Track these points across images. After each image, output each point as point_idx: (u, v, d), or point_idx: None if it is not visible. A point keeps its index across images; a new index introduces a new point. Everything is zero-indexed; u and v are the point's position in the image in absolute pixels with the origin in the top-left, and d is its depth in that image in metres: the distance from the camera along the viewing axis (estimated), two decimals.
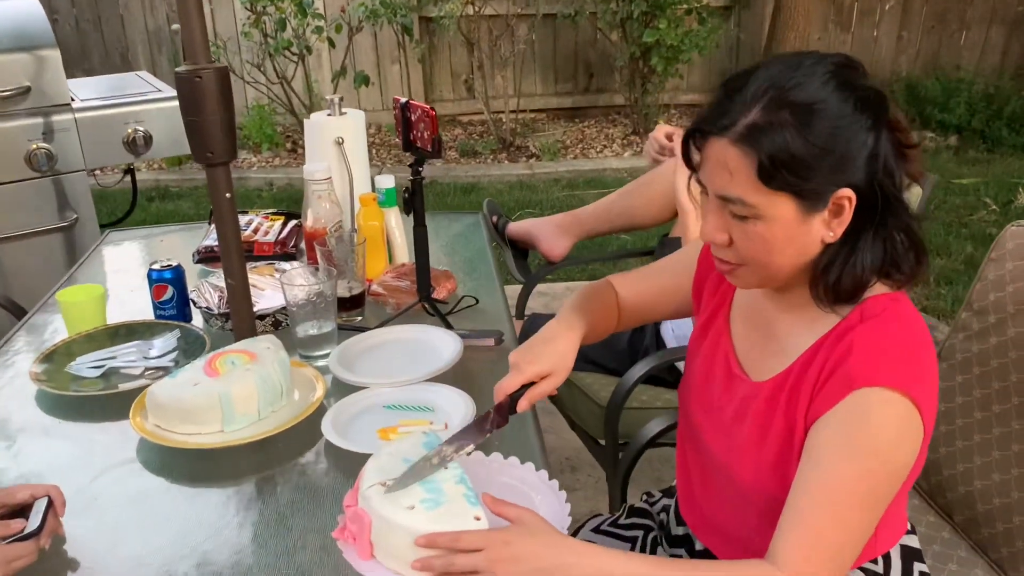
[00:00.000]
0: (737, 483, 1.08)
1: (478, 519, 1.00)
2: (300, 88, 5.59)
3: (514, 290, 2.35)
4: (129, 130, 2.77)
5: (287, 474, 1.26)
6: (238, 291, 1.54)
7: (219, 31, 5.76)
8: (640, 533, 1.34)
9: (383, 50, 6.08)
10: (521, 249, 2.32)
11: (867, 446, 0.93)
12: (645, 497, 1.42)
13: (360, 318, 1.71)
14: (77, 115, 2.69)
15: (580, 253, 2.56)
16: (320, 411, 1.36)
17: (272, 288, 1.74)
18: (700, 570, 0.98)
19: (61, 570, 1.08)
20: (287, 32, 5.23)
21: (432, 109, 1.52)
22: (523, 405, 1.15)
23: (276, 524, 1.15)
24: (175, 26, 5.70)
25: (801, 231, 0.96)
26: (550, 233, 2.25)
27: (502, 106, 5.73)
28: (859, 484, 0.93)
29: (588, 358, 1.99)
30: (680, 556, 1.25)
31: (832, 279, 0.98)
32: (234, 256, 1.51)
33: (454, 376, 1.45)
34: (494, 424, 1.14)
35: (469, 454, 1.11)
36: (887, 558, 1.11)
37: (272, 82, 5.46)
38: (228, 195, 1.48)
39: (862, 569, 1.10)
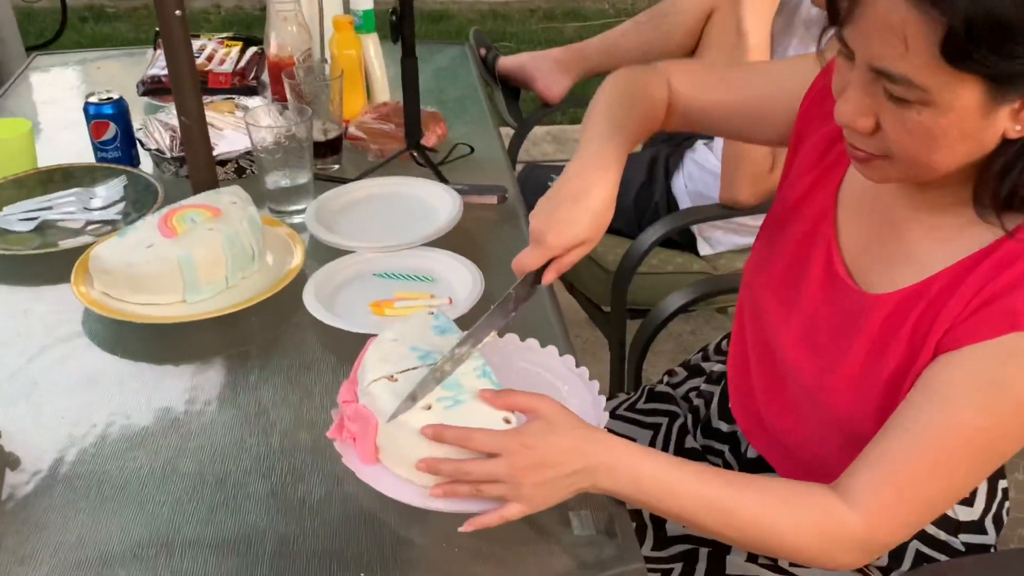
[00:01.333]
0: (824, 405, 0.90)
1: (508, 422, 0.83)
2: None
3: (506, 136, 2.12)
4: None
5: (265, 356, 1.08)
6: (195, 132, 1.29)
7: None
8: (663, 421, 1.19)
9: None
10: (512, 88, 2.06)
11: (1010, 399, 0.75)
12: (666, 378, 1.27)
13: (337, 166, 1.48)
14: None
15: (584, 93, 2.29)
16: (300, 279, 1.15)
17: (233, 128, 1.48)
18: (753, 487, 0.83)
19: None
20: None
21: None
22: (549, 277, 0.94)
23: (255, 418, 0.97)
24: None
25: (981, 125, 0.72)
26: (548, 69, 1.98)
27: None
28: (981, 437, 0.76)
29: None
30: (721, 453, 1.11)
31: (1009, 185, 0.75)
32: (188, 89, 1.26)
33: (453, 239, 1.25)
34: (519, 302, 0.94)
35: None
36: None
37: None
38: (178, 12, 1.21)
39: None
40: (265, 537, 0.83)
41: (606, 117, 0.97)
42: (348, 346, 0.98)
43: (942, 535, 0.97)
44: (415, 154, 1.45)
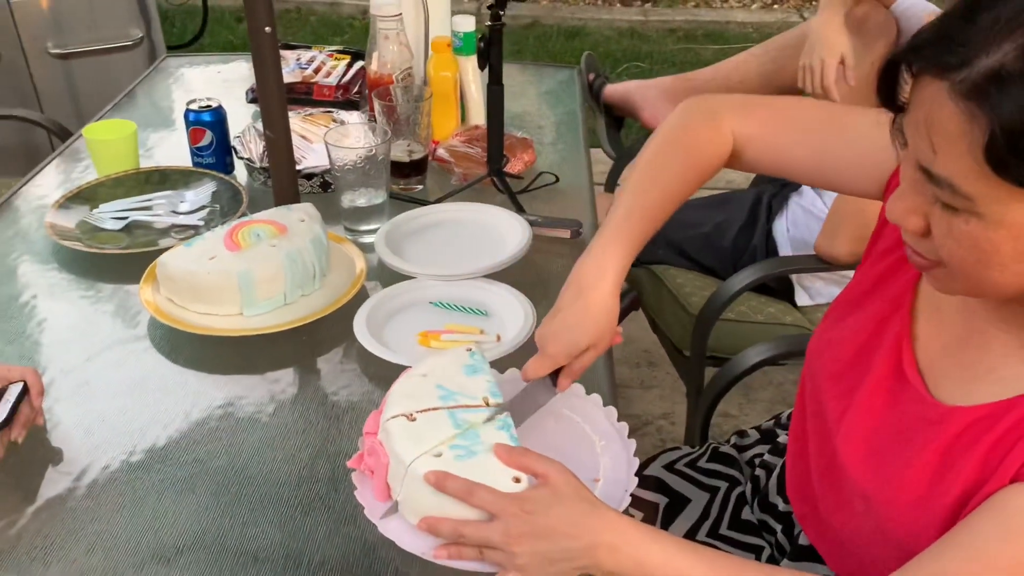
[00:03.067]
0: (882, 516, 0.79)
1: (518, 481, 0.79)
2: None
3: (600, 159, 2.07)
4: None
5: (308, 376, 1.08)
6: (279, 145, 1.32)
7: None
8: (723, 485, 1.11)
9: None
10: (616, 117, 2.01)
11: None
12: (735, 439, 1.19)
13: (420, 187, 1.47)
14: None
15: None
16: (360, 299, 1.15)
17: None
18: None
19: (38, 466, 0.94)
20: None
21: None
22: (563, 384, 0.92)
23: (284, 437, 0.97)
24: None
25: None
26: (655, 99, 1.92)
27: None
28: None
29: (682, 251, 1.73)
30: (774, 533, 1.02)
31: None
32: (274, 103, 1.28)
33: (517, 272, 1.21)
34: (537, 406, 0.93)
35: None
36: None
37: None
38: (268, 28, 1.23)
39: None
40: (275, 554, 0.83)
41: (632, 191, 0.93)
42: (389, 374, 0.96)
43: None
44: (496, 180, 1.43)
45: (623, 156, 2.00)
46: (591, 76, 2.00)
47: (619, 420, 0.96)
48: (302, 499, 0.89)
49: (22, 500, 0.89)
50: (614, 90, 1.97)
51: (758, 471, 1.10)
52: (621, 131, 2.03)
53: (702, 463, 1.16)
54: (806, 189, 1.66)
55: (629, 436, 0.94)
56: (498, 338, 1.09)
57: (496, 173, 1.42)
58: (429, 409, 0.86)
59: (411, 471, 0.80)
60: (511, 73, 1.88)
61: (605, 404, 0.99)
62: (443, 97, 1.58)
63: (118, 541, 0.84)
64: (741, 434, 1.19)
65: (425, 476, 0.78)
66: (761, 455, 1.13)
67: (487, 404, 0.87)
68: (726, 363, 1.39)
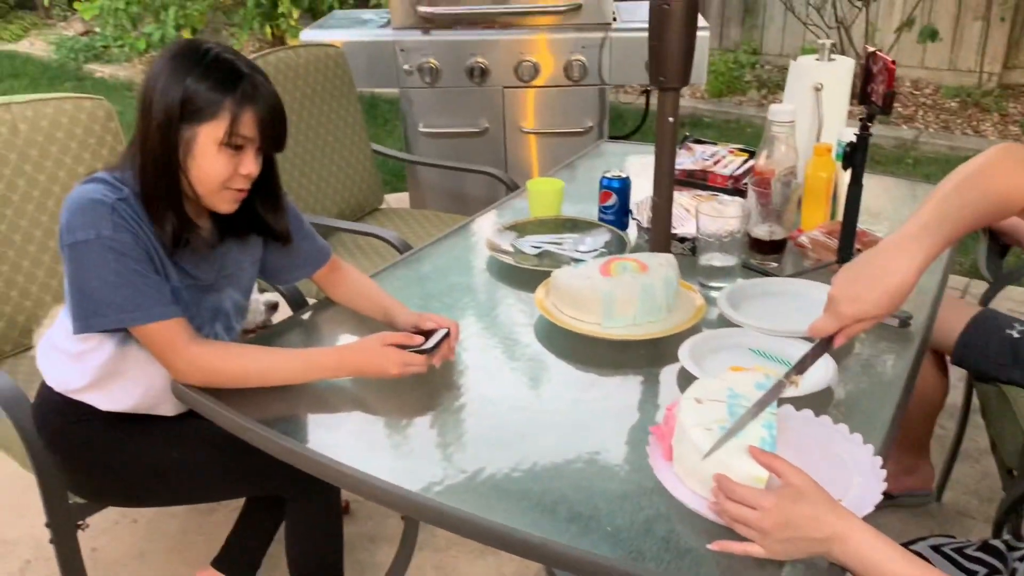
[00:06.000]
0: None
1: (759, 480, 1.00)
2: (859, 35, 5.33)
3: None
4: None
5: (641, 377, 1.37)
6: (661, 209, 1.66)
7: None
8: (981, 571, 1.17)
9: (967, 4, 5.46)
10: (1003, 244, 2.02)
11: None
12: (1008, 537, 1.23)
13: (774, 264, 1.71)
14: (612, 35, 3.00)
15: None
16: (692, 331, 1.43)
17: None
18: None
19: (446, 388, 1.35)
20: None
21: (892, 63, 1.42)
22: (839, 341, 1.08)
23: (615, 414, 1.27)
24: None
25: None
26: None
27: None
28: None
29: None
30: None
31: None
32: (664, 177, 1.63)
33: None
34: (812, 359, 1.11)
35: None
36: None
37: (830, 26, 5.30)
38: (671, 119, 1.58)
39: None
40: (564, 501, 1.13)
41: (939, 207, 1.02)
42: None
43: None
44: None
45: (1001, 280, 2.00)
46: None
47: (876, 455, 1.10)
48: (605, 455, 1.19)
49: (424, 407, 1.31)
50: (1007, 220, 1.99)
51: (1017, 564, 1.14)
52: (1005, 258, 2.03)
53: (969, 550, 1.22)
54: None
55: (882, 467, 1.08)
56: (798, 384, 1.29)
57: (844, 261, 1.61)
58: (715, 400, 1.11)
59: (687, 436, 1.05)
60: (881, 182, 2.04)
61: (865, 442, 1.13)
62: (815, 194, 1.80)
63: (493, 448, 1.21)
64: (1019, 536, 1.22)
65: (714, 476, 1.01)
66: None
67: None
68: None
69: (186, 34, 6.01)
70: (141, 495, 1.59)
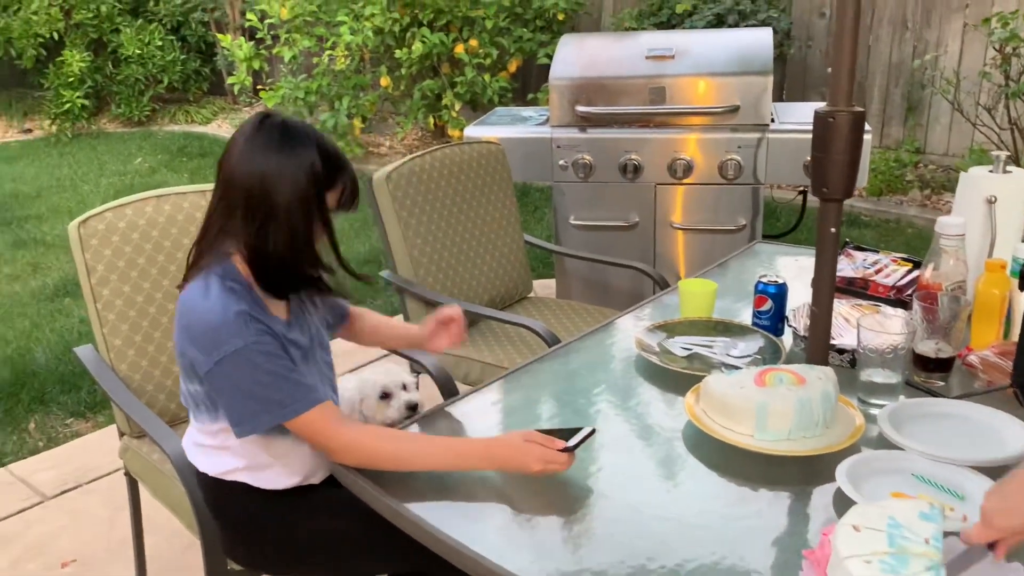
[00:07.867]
0: None
1: None
2: None
3: None
4: (807, 158, 2.97)
5: (792, 496, 1.33)
6: (820, 319, 1.62)
7: (963, 67, 5.57)
8: None
9: None
10: None
11: None
12: None
13: (941, 384, 1.62)
14: (770, 135, 2.99)
15: None
16: (851, 451, 1.37)
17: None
18: None
19: (589, 490, 1.35)
20: None
21: None
22: (1000, 552, 1.03)
23: (762, 530, 1.24)
24: (919, 61, 5.70)
25: None
26: None
27: None
28: None
29: None
30: None
31: None
32: (825, 288, 1.60)
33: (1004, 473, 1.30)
34: (969, 563, 1.05)
35: None
36: None
37: (1002, 127, 5.07)
38: (833, 230, 1.56)
39: None
40: None
41: None
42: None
43: None
44: (1018, 393, 1.51)
45: None
46: None
47: None
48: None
49: (567, 509, 1.31)
50: None
51: None
52: None
53: None
54: None
55: None
56: (964, 518, 1.21)
57: (1020, 385, 1.51)
58: (875, 529, 1.06)
59: (843, 567, 1.01)
60: None
61: None
62: (987, 311, 1.71)
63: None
64: None
65: None
66: None
67: (927, 543, 1.03)
68: None
69: (356, 123, 6.43)
70: (296, 566, 1.65)
